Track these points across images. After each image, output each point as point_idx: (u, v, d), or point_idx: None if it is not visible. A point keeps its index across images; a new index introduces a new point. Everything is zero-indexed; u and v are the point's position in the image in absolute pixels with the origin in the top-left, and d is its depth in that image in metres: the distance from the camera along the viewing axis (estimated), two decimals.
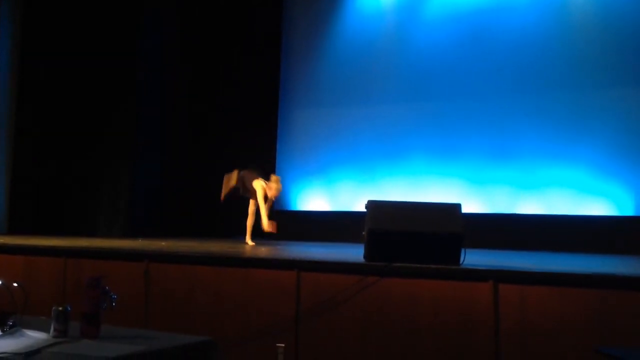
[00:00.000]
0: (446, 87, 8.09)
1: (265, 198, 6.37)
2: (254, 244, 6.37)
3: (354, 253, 4.83)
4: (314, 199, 8.55)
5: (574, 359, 3.41)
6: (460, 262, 3.91)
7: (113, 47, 8.09)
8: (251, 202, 6.52)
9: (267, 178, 6.49)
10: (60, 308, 2.35)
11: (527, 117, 7.65)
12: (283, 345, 4.10)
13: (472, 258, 4.03)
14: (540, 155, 7.50)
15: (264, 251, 5.28)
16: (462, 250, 3.94)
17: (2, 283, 2.82)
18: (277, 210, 8.93)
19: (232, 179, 6.72)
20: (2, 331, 2.39)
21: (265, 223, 6.16)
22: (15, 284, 2.79)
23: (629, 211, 7.05)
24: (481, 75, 7.92)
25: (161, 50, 8.65)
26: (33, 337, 2.30)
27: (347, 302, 3.94)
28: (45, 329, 2.36)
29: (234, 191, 6.71)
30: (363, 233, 4.12)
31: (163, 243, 6.06)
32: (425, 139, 8.14)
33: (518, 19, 7.85)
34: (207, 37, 9.32)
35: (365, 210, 4.18)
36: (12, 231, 7.63)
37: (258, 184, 6.34)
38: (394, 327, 3.83)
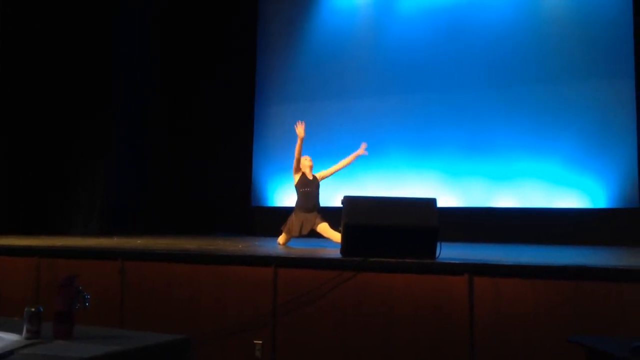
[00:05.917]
0: (421, 81, 8.13)
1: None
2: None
3: (331, 248, 4.84)
4: (291, 195, 8.53)
5: (547, 349, 3.45)
6: (436, 256, 3.94)
7: (89, 47, 8.02)
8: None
9: None
10: (33, 309, 2.32)
11: (502, 110, 7.73)
12: (261, 342, 4.09)
13: (448, 252, 4.07)
14: (515, 149, 7.58)
15: (241, 248, 5.26)
16: (438, 244, 3.97)
17: None
18: (255, 206, 8.93)
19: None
20: None
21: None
22: None
23: (601, 203, 7.16)
24: (456, 70, 7.98)
25: (137, 49, 8.58)
26: (5, 338, 2.27)
27: (324, 298, 3.94)
28: (17, 331, 2.33)
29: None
30: (339, 228, 4.12)
31: (138, 241, 6.02)
32: (401, 133, 8.18)
33: (493, 13, 7.93)
34: (184, 36, 9.27)
35: (341, 205, 4.19)
36: None
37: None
38: (371, 321, 3.85)
